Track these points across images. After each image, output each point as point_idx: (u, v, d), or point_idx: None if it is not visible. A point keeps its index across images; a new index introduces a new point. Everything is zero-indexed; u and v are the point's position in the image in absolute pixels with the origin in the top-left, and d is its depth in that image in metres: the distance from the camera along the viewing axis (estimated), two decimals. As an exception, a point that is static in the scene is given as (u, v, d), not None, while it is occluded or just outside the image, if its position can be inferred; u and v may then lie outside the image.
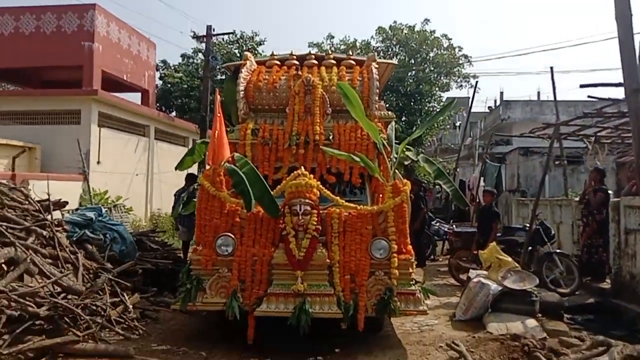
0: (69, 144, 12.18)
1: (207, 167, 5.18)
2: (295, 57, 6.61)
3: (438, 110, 20.69)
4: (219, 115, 5.14)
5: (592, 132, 10.74)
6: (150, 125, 15.91)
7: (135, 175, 14.87)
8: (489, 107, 29.96)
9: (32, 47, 13.86)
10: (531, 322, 5.92)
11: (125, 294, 5.83)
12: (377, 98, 6.12)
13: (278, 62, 6.53)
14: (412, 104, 22.26)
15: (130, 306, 5.70)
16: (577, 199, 9.62)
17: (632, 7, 3.10)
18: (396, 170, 5.34)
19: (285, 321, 4.64)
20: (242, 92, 6.05)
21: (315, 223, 4.82)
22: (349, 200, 5.48)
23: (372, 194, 5.99)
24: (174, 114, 21.36)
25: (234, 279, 4.79)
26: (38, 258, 5.27)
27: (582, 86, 7.85)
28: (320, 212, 4.96)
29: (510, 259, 6.96)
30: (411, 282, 4.98)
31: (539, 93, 27.88)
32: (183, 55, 24.04)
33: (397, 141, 5.79)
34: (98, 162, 12.95)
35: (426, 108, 22.59)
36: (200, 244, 4.98)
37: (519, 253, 8.07)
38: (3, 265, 4.87)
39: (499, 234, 8.94)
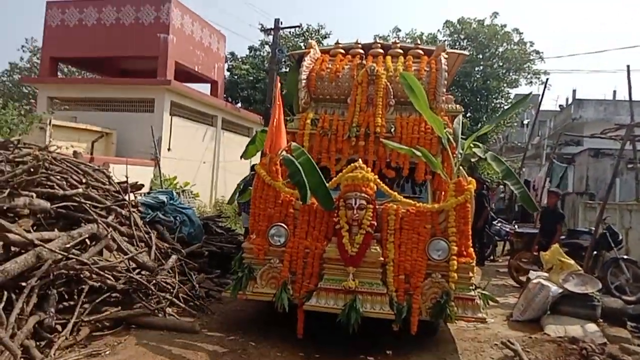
0: (142, 130, 12.91)
1: (265, 155, 5.10)
2: (360, 45, 6.39)
3: (509, 105, 19.86)
4: (278, 103, 5.05)
5: None
6: (218, 116, 16.42)
7: (202, 163, 15.40)
8: (559, 106, 28.24)
9: (112, 38, 14.53)
10: (591, 327, 5.77)
11: (192, 274, 6.11)
12: (444, 90, 5.77)
13: (342, 51, 6.34)
14: (478, 100, 21.67)
15: (197, 285, 5.97)
16: None
17: None
18: (460, 168, 4.99)
19: (335, 317, 4.49)
20: (304, 81, 5.92)
21: (370, 218, 4.61)
22: (408, 197, 5.23)
23: (434, 192, 5.68)
24: (239, 105, 21.83)
25: (285, 270, 4.69)
26: (117, 235, 5.62)
27: None
28: (377, 207, 4.75)
29: (572, 262, 6.77)
30: (470, 287, 4.65)
31: (614, 92, 25.88)
32: (250, 48, 24.56)
33: (463, 137, 5.42)
34: (169, 149, 13.50)
35: (493, 105, 21.92)
36: (254, 233, 4.94)
37: (583, 257, 7.73)
38: (87, 240, 5.23)
39: (562, 237, 8.75)
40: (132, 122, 13.49)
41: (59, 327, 4.34)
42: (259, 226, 4.89)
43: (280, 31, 19.06)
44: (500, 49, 22.87)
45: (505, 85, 22.73)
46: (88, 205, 5.55)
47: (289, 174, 4.83)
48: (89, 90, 14.62)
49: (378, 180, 4.88)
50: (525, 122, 29.12)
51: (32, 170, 5.18)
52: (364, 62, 5.98)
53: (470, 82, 21.36)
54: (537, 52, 23.24)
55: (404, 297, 4.56)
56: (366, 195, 4.64)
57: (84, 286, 4.79)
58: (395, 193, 4.96)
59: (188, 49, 15.63)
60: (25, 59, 27.93)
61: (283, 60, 18.91)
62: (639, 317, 6.47)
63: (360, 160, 5.01)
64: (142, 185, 7.60)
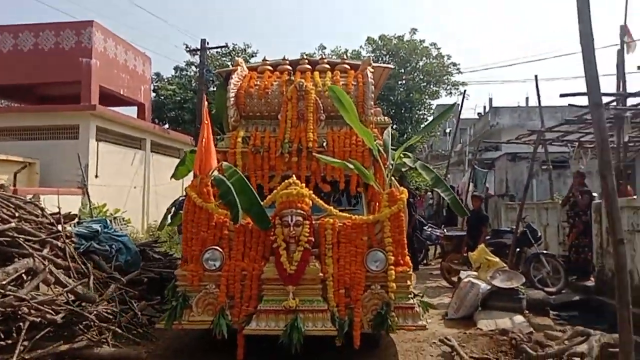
0: (67, 158, 12.36)
1: (195, 177, 4.91)
2: (287, 62, 6.38)
3: (432, 115, 21.23)
4: (206, 122, 4.90)
5: (575, 138, 11.03)
6: (146, 139, 15.96)
7: (133, 188, 14.94)
8: (478, 114, 29.97)
9: (31, 64, 13.98)
10: (518, 318, 6.23)
11: (133, 302, 5.98)
12: (372, 103, 5.87)
13: (270, 68, 6.30)
14: (402, 112, 22.94)
15: (139, 313, 5.84)
16: (560, 200, 10.01)
17: (592, 29, 3.43)
18: (392, 178, 5.07)
19: (277, 338, 4.36)
20: (233, 99, 5.81)
21: (307, 234, 4.54)
22: (345, 210, 5.23)
23: (369, 203, 5.73)
24: (167, 126, 21.40)
25: (222, 295, 4.50)
26: (53, 268, 5.44)
27: (562, 95, 7.95)
28: (313, 222, 4.70)
29: (498, 259, 7.25)
30: (409, 296, 4.68)
31: (527, 99, 28.34)
32: (176, 68, 24.54)
33: (393, 147, 5.53)
34: (96, 176, 13.02)
35: (417, 116, 23.16)
36: (187, 258, 4.72)
37: (508, 254, 8.36)
38: (23, 275, 5.07)
39: (488, 237, 9.28)
40: (56, 150, 12.88)
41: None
42: (192, 251, 4.68)
43: (207, 51, 19.01)
44: (421, 63, 24.25)
45: (427, 97, 24.11)
46: (22, 239, 5.43)
47: (220, 194, 4.67)
48: (7, 119, 13.74)
49: (313, 195, 4.84)
50: (448, 130, 30.64)
51: None
52: (293, 78, 5.97)
53: (394, 96, 22.41)
54: (454, 65, 24.80)
55: (345, 311, 4.51)
56: (302, 212, 4.57)
57: (21, 323, 4.56)
58: (331, 207, 4.94)
59: (112, 73, 15.28)
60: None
61: (211, 79, 18.74)
62: (560, 306, 7.11)
63: (294, 176, 4.95)
64: (76, 215, 7.50)
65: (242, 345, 4.50)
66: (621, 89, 8.69)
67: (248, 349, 4.56)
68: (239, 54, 23.13)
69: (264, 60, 6.50)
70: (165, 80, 23.63)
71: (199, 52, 18.51)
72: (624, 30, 8.82)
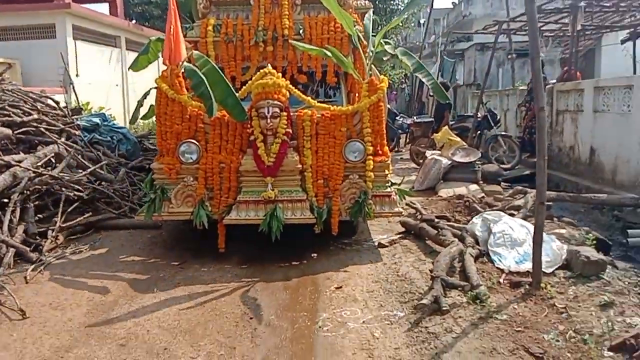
0: (46, 58, 12.55)
1: (164, 67, 4.67)
2: (260, -63, 5.81)
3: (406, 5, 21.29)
4: (173, 7, 4.53)
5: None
6: (121, 36, 15.90)
7: (115, 86, 15.12)
8: (452, 3, 28.97)
9: None
10: (473, 187, 7.29)
11: (140, 184, 6.53)
12: (351, -15, 5.49)
13: (241, -55, 5.74)
14: (376, 3, 22.19)
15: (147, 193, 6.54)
16: (522, 87, 10.89)
17: None
18: (373, 66, 4.90)
19: (256, 229, 4.48)
20: (201, -18, 5.38)
21: (285, 126, 4.46)
22: (323, 101, 5.12)
23: (348, 94, 5.61)
24: (134, 21, 20.24)
25: (201, 187, 4.51)
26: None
27: None
28: (291, 114, 4.61)
29: (459, 139, 8.29)
30: (387, 184, 4.77)
31: None
32: None
33: (373, 34, 5.28)
34: (77, 75, 13.09)
35: (390, 7, 22.47)
36: (163, 152, 4.66)
37: (472, 138, 9.45)
38: (52, 159, 5.97)
39: (452, 122, 10.47)
40: (34, 50, 12.86)
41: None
42: (167, 144, 4.59)
43: None
44: None
45: None
46: (43, 129, 6.26)
47: (192, 86, 4.46)
48: None
49: (290, 86, 4.68)
50: (422, 21, 29.99)
51: None
52: (265, -44, 5.48)
53: None
54: None
55: (324, 200, 4.59)
56: (279, 103, 4.44)
57: (60, 197, 5.50)
58: (309, 98, 4.81)
59: None
60: None
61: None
62: (513, 180, 8.16)
63: (269, 66, 4.75)
64: (81, 109, 8.43)
65: (223, 234, 4.61)
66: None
67: (229, 239, 4.71)
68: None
69: None
70: None
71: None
72: None
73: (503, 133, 9.56)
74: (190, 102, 4.55)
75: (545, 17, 10.48)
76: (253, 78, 4.61)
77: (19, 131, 5.97)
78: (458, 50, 20.21)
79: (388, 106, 13.13)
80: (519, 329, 3.15)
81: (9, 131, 5.75)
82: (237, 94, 4.55)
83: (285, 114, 4.49)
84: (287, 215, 4.48)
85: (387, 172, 4.75)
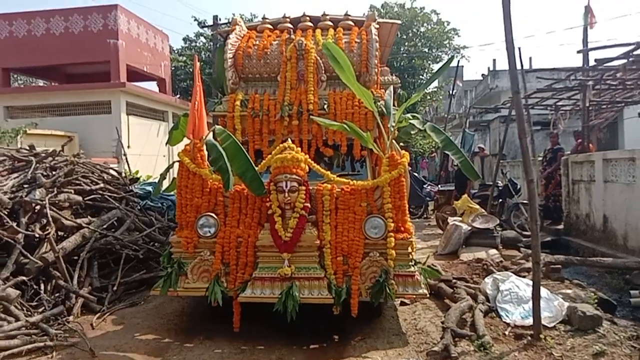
0: (102, 131, 14.14)
1: (188, 141, 4.79)
2: (288, 19, 6.08)
3: (434, 72, 22.32)
4: (198, 84, 4.72)
5: (552, 103, 12.99)
6: (168, 111, 17.47)
7: (162, 157, 16.52)
8: (482, 75, 29.63)
9: (62, 46, 15.15)
10: (493, 251, 7.75)
11: None
12: (376, 62, 5.56)
13: (270, 26, 6.01)
14: (406, 77, 23.36)
15: None
16: (539, 158, 11.56)
17: (512, 26, 4.28)
18: (393, 141, 4.82)
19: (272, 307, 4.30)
20: (231, 60, 5.58)
21: (303, 200, 4.38)
22: (348, 175, 5.06)
23: (373, 168, 5.53)
24: (178, 96, 21.81)
25: (217, 262, 4.42)
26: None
27: (578, 52, 9.90)
28: (310, 188, 4.55)
29: (477, 206, 8.95)
30: (410, 263, 4.51)
31: (530, 59, 28.66)
32: (185, 39, 24.75)
33: (396, 108, 5.26)
34: (128, 147, 14.37)
35: (419, 82, 23.71)
36: (182, 225, 4.66)
37: (493, 205, 10.10)
38: (114, 222, 6.70)
39: (475, 190, 11.33)
40: (91, 124, 14.43)
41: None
42: (186, 217, 4.59)
43: (218, 27, 19.53)
44: (422, 29, 25.32)
45: (429, 62, 24.86)
46: (107, 196, 7.10)
47: (211, 160, 4.50)
48: (45, 97, 15.10)
49: (309, 160, 4.64)
50: (454, 92, 30.98)
51: (67, 173, 6.71)
52: (293, 36, 5.71)
53: (397, 62, 23.06)
54: (454, 30, 26.02)
55: (343, 279, 4.37)
56: (297, 177, 4.40)
57: (113, 257, 6.27)
58: (329, 172, 4.75)
59: (136, 51, 16.48)
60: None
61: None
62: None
63: (289, 140, 4.78)
64: (137, 179, 9.19)
65: (238, 312, 4.44)
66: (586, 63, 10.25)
67: (246, 317, 4.54)
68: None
69: (264, 18, 6.22)
70: (176, 51, 23.75)
71: (209, 27, 18.92)
72: (588, 10, 10.44)
73: (524, 201, 9.77)
74: (210, 176, 4.59)
75: (557, 94, 11.75)
76: (272, 152, 4.63)
77: (87, 198, 6.73)
78: (483, 121, 21.19)
79: (415, 174, 13.51)
80: (518, 373, 3.51)
81: (79, 198, 6.52)
82: (256, 168, 4.56)
83: (304, 188, 4.43)
84: (303, 294, 4.28)
85: (409, 249, 4.51)
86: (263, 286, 4.34)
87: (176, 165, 4.83)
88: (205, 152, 4.73)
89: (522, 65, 12.68)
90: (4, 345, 4.07)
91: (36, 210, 5.79)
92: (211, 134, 4.86)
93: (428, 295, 4.69)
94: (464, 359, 3.91)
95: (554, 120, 13.46)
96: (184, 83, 23.06)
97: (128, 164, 12.94)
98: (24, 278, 5.03)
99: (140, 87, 16.39)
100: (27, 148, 7.38)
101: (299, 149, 4.66)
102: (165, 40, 19.04)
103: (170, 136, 5.69)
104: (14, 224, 5.39)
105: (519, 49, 12.97)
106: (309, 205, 4.45)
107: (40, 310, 4.84)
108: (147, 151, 15.52)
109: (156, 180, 11.78)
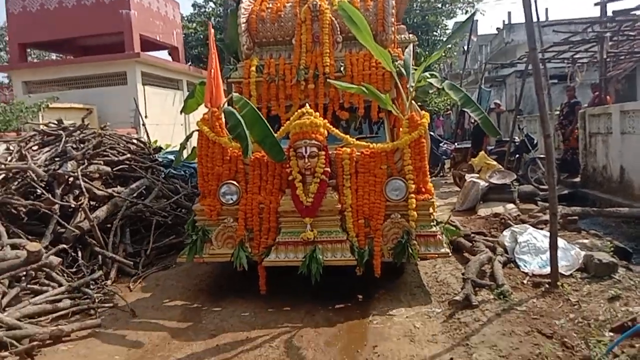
0: (119, 102, 14.20)
1: (206, 110, 4.80)
2: (302, -20, 5.93)
3: (453, 30, 21.65)
4: (213, 52, 4.68)
5: (569, 56, 12.93)
6: (182, 80, 17.39)
7: (180, 125, 16.59)
8: (496, 29, 28.45)
9: (75, 18, 14.97)
10: (510, 206, 7.78)
11: None
12: (393, 20, 5.41)
13: (283, -12, 5.88)
14: (419, 34, 22.75)
15: None
16: (556, 112, 11.52)
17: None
18: (413, 102, 4.76)
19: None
20: (244, 25, 5.49)
21: (323, 165, 4.39)
22: (363, 138, 5.03)
23: (392, 130, 5.48)
24: (190, 64, 21.62)
25: (241, 228, 4.51)
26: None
27: (596, 4, 9.74)
28: (330, 153, 4.54)
29: (494, 162, 8.87)
30: (432, 223, 4.54)
31: (547, 10, 27.41)
32: (194, 5, 24.11)
33: (416, 67, 5.15)
34: (146, 117, 14.40)
35: (433, 38, 22.83)
36: (204, 193, 4.73)
37: (510, 161, 10.11)
38: (142, 191, 6.86)
39: (491, 147, 11.14)
40: (107, 95, 14.42)
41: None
42: (208, 186, 4.65)
43: None
44: None
45: (443, 17, 23.67)
46: (134, 165, 7.28)
47: (229, 128, 4.49)
48: (61, 71, 15.10)
49: (328, 124, 4.62)
50: (468, 48, 30.22)
51: (95, 145, 6.93)
52: (307, -2, 5.57)
53: (410, 19, 22.09)
54: None
55: (365, 241, 4.43)
56: (316, 142, 4.40)
57: (144, 224, 6.51)
58: (348, 136, 4.72)
59: (149, 21, 16.25)
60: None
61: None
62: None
63: (307, 105, 4.74)
64: (161, 148, 9.37)
65: (264, 276, 4.57)
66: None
67: (271, 280, 4.66)
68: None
69: (277, -20, 6.07)
70: (185, 18, 23.37)
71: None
72: None
73: (541, 156, 9.72)
74: (230, 144, 4.61)
75: (574, 46, 11.69)
76: (291, 118, 4.62)
77: (116, 168, 6.94)
78: (499, 77, 20.77)
79: (431, 133, 13.55)
80: (535, 317, 3.78)
81: (108, 169, 6.76)
82: (275, 134, 4.57)
83: (323, 153, 4.43)
84: (327, 256, 4.36)
85: (431, 210, 4.53)
86: (287, 250, 4.43)
87: (195, 134, 4.84)
88: (224, 120, 4.73)
89: (538, 18, 12.31)
90: (52, 308, 4.33)
91: (69, 182, 6.02)
92: (228, 101, 4.85)
93: (450, 255, 4.73)
94: (484, 306, 4.06)
95: (571, 73, 13.36)
96: (195, 50, 22.79)
97: (147, 134, 12.92)
98: (64, 246, 5.27)
99: (155, 56, 16.39)
100: (55, 122, 7.51)
101: (317, 113, 4.62)
102: (176, 7, 18.80)
103: (185, 104, 5.70)
104: (50, 196, 5.59)
105: (535, 1, 12.73)
106: (329, 169, 4.46)
107: (79, 275, 5.11)
108: (164, 120, 15.61)
109: (176, 149, 11.99)
